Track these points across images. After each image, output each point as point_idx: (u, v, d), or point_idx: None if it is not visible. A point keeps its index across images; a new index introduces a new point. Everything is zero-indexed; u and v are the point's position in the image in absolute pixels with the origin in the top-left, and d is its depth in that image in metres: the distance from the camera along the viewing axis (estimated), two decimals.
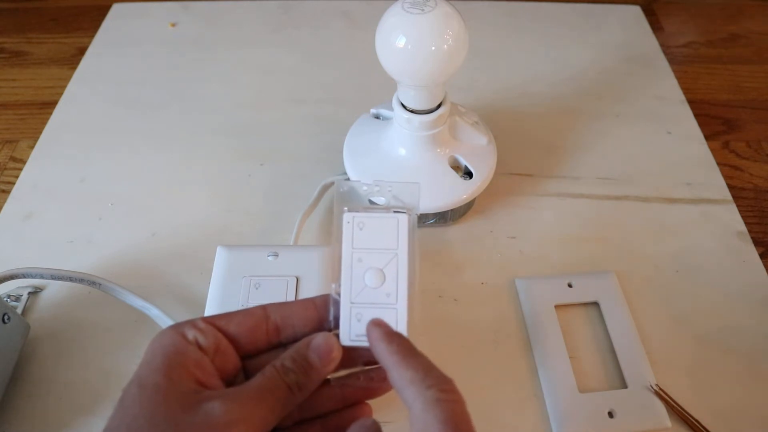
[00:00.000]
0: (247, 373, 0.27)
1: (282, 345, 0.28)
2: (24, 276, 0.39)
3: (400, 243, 0.28)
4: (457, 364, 0.39)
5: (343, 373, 0.28)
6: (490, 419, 0.37)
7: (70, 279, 0.39)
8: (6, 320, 0.36)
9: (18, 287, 0.42)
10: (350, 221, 0.28)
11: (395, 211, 0.28)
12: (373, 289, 0.27)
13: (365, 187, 0.29)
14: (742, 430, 0.37)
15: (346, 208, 0.28)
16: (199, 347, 0.25)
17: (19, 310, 0.41)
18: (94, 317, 0.41)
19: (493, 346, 0.40)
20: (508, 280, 0.44)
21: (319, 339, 0.26)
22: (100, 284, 0.40)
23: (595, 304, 0.42)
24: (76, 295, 0.42)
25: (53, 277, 0.39)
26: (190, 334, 0.25)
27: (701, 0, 0.73)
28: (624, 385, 0.38)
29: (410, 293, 0.27)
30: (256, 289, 0.36)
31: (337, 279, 0.28)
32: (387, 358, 0.25)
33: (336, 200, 0.29)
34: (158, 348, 0.25)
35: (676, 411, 0.37)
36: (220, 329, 0.26)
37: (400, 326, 0.27)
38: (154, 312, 0.40)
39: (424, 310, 0.42)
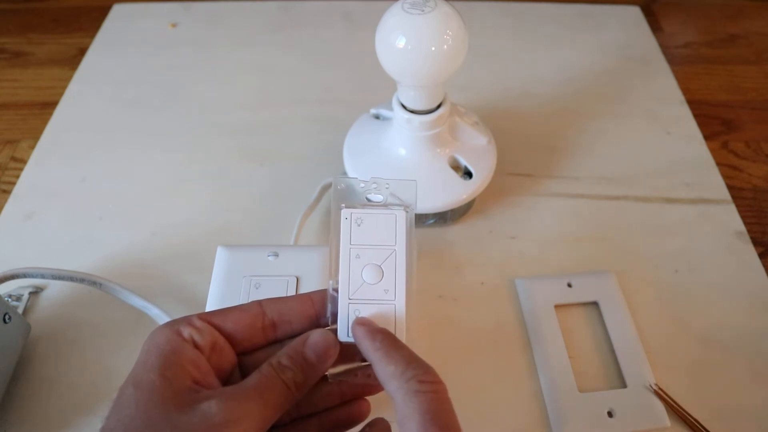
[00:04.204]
0: (243, 370, 0.27)
1: (278, 341, 0.28)
2: (25, 276, 0.39)
3: (397, 239, 0.28)
4: (457, 364, 0.39)
5: (340, 369, 0.28)
6: (489, 419, 0.37)
7: (71, 279, 0.39)
8: (7, 320, 0.36)
9: (19, 287, 0.42)
10: (348, 218, 0.28)
11: (392, 208, 0.28)
12: (370, 285, 0.27)
13: (362, 185, 0.29)
14: (742, 430, 0.37)
15: (343, 205, 0.28)
16: (195, 345, 0.25)
17: (20, 310, 0.41)
18: (95, 317, 0.41)
19: (492, 346, 0.41)
20: (507, 280, 0.44)
21: (316, 336, 0.26)
22: (100, 284, 0.40)
23: (595, 304, 0.42)
24: (76, 295, 0.42)
25: (54, 277, 0.39)
26: (186, 332, 0.25)
27: (700, 1, 0.73)
28: (623, 385, 0.38)
29: (408, 289, 0.28)
30: (257, 289, 0.36)
31: (334, 275, 0.28)
32: (371, 354, 0.25)
33: (333, 197, 0.29)
34: (153, 346, 0.24)
35: (675, 410, 0.37)
36: (216, 326, 0.26)
37: (398, 322, 0.27)
38: (154, 311, 0.40)
39: (424, 310, 0.42)
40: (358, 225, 0.28)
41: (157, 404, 0.22)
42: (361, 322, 0.26)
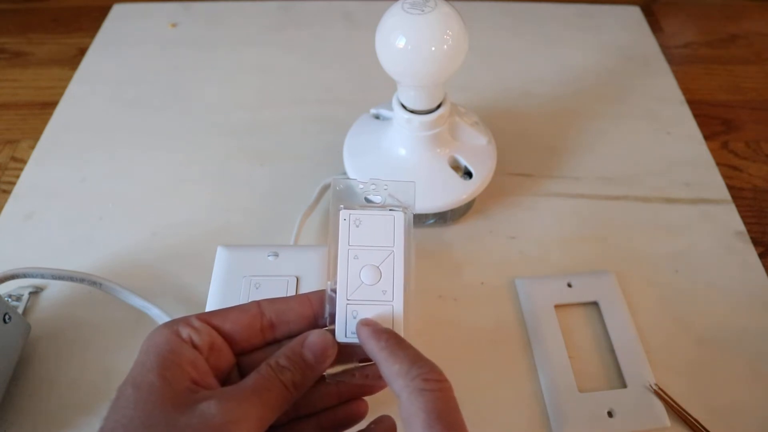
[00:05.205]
0: (241, 370, 0.27)
1: (277, 341, 0.28)
2: (25, 276, 0.39)
3: (396, 240, 0.28)
4: (457, 364, 0.39)
5: (338, 369, 0.28)
6: (489, 419, 0.37)
7: (71, 279, 0.39)
8: (7, 320, 0.36)
9: (19, 287, 0.42)
10: (346, 219, 0.28)
11: (391, 209, 0.29)
12: (369, 286, 0.27)
13: (361, 186, 0.29)
14: (742, 430, 0.37)
15: (342, 206, 0.29)
16: (194, 346, 0.25)
17: (20, 310, 0.41)
18: (95, 317, 0.41)
19: (492, 346, 0.41)
20: (507, 280, 0.44)
21: (314, 336, 0.26)
22: (100, 284, 0.40)
23: (595, 304, 0.42)
24: (76, 295, 0.42)
25: (54, 277, 0.39)
26: (185, 332, 0.25)
27: (700, 1, 0.73)
28: (623, 385, 0.38)
29: (406, 290, 0.28)
30: (257, 289, 0.36)
31: (333, 276, 0.28)
32: (377, 354, 0.25)
33: (332, 198, 0.29)
34: (152, 347, 0.24)
35: (675, 410, 0.37)
36: (214, 327, 0.26)
37: (396, 323, 0.27)
38: (154, 312, 0.40)
39: (424, 310, 0.42)
40: (357, 226, 0.28)
41: (156, 405, 0.22)
42: (366, 323, 0.27)
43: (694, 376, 0.39)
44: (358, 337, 0.26)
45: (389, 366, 0.24)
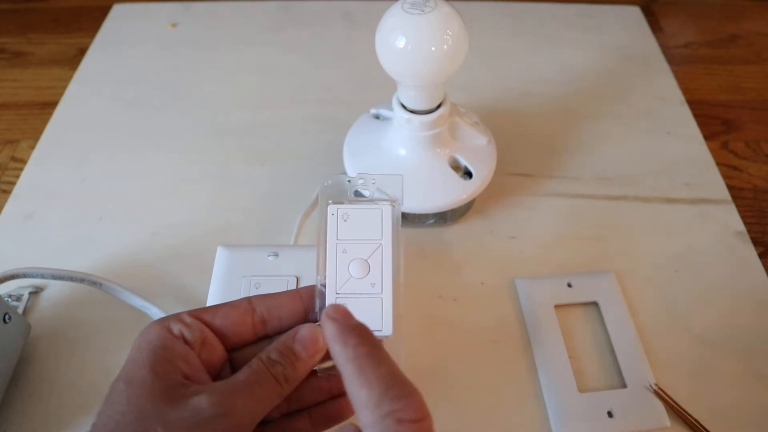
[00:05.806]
0: (233, 366, 0.27)
1: (268, 337, 0.28)
2: (25, 276, 0.39)
3: (384, 233, 0.28)
4: (457, 365, 0.39)
5: (329, 363, 0.27)
6: (489, 419, 0.37)
7: (71, 279, 0.39)
8: (7, 320, 0.36)
9: (19, 287, 0.42)
10: (334, 213, 0.28)
11: (379, 203, 0.29)
12: (357, 279, 0.28)
13: (349, 180, 0.29)
14: (741, 430, 0.37)
15: (330, 201, 0.29)
16: (185, 341, 0.25)
17: (20, 310, 0.41)
18: (95, 317, 0.41)
19: (492, 346, 0.41)
20: (507, 280, 0.44)
21: (305, 330, 0.26)
22: (100, 284, 0.40)
23: (595, 304, 0.42)
24: (76, 295, 0.42)
25: (54, 277, 0.39)
26: (176, 328, 0.25)
27: (700, 0, 0.73)
28: (623, 385, 0.38)
29: (395, 283, 0.28)
30: (257, 288, 0.36)
31: (322, 271, 0.28)
32: (342, 366, 0.22)
33: (321, 193, 0.29)
34: (144, 343, 0.25)
35: (675, 410, 0.37)
36: (205, 323, 0.26)
37: (385, 315, 0.27)
38: (154, 311, 0.40)
39: (424, 310, 0.42)
40: (345, 220, 0.28)
41: (148, 399, 0.23)
42: (332, 316, 0.24)
43: (694, 376, 0.39)
44: (324, 335, 0.24)
45: (356, 389, 0.21)
